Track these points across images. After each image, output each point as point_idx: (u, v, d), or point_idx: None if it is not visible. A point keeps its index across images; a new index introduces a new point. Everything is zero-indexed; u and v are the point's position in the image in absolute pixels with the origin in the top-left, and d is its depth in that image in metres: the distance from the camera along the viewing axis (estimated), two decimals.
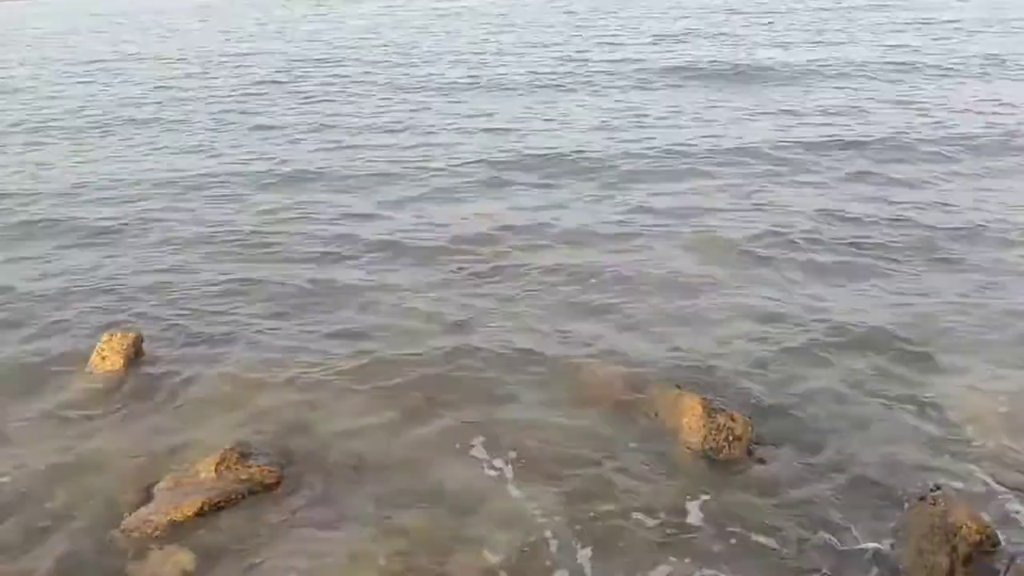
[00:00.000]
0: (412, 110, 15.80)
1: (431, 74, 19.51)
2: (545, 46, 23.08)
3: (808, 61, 18.72)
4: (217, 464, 5.24)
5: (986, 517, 4.52)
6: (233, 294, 7.88)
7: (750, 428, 5.43)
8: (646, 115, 14.59)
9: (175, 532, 4.78)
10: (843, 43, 21.24)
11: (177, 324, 7.27)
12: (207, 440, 5.59)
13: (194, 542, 4.71)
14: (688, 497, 4.98)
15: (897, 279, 7.78)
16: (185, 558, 4.61)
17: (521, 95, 16.72)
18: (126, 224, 9.85)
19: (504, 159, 12.12)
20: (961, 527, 4.35)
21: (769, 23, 25.60)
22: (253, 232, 9.51)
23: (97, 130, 15.37)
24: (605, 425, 5.67)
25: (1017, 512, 4.71)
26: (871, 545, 4.57)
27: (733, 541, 4.64)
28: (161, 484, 5.19)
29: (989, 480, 4.99)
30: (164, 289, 8.02)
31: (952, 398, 5.82)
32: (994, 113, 13.60)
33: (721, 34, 23.55)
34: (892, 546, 4.54)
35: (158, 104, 17.44)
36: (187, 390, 6.27)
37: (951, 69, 17.32)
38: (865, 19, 25.46)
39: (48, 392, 6.26)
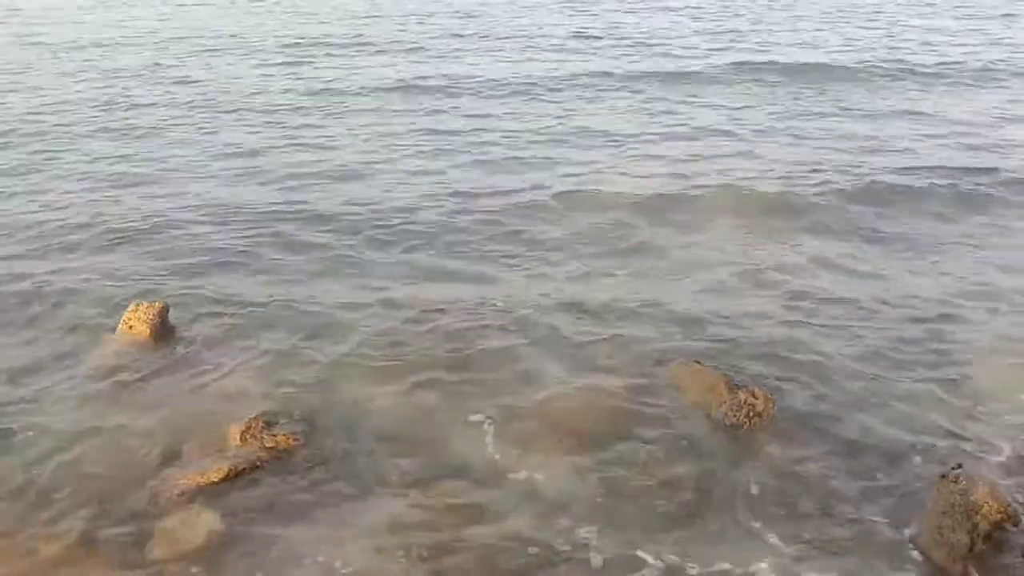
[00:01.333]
0: None
1: None
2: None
3: None
4: (243, 432, 5.32)
5: (1007, 496, 4.51)
6: (261, 267, 7.94)
7: (772, 404, 5.44)
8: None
9: (202, 495, 4.87)
10: None
11: (204, 294, 7.32)
12: (233, 408, 5.66)
13: (220, 506, 4.79)
14: (709, 472, 5.01)
15: (924, 256, 7.75)
16: (211, 520, 4.69)
17: None
18: (157, 196, 9.87)
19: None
20: (982, 505, 4.35)
21: None
22: (281, 205, 9.53)
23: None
24: (627, 400, 5.69)
25: None
26: (891, 521, 4.58)
27: (753, 516, 4.67)
28: (188, 449, 5.27)
29: (1011, 459, 4.98)
30: (193, 260, 8.06)
31: (976, 376, 5.83)
32: None
33: None
34: (912, 523, 4.55)
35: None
36: (213, 359, 6.34)
37: None
38: None
39: (77, 360, 6.33)
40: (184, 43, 19.25)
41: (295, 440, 5.34)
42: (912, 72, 15.59)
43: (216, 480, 4.97)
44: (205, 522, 4.69)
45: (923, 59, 16.61)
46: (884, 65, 16.17)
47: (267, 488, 4.97)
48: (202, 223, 8.97)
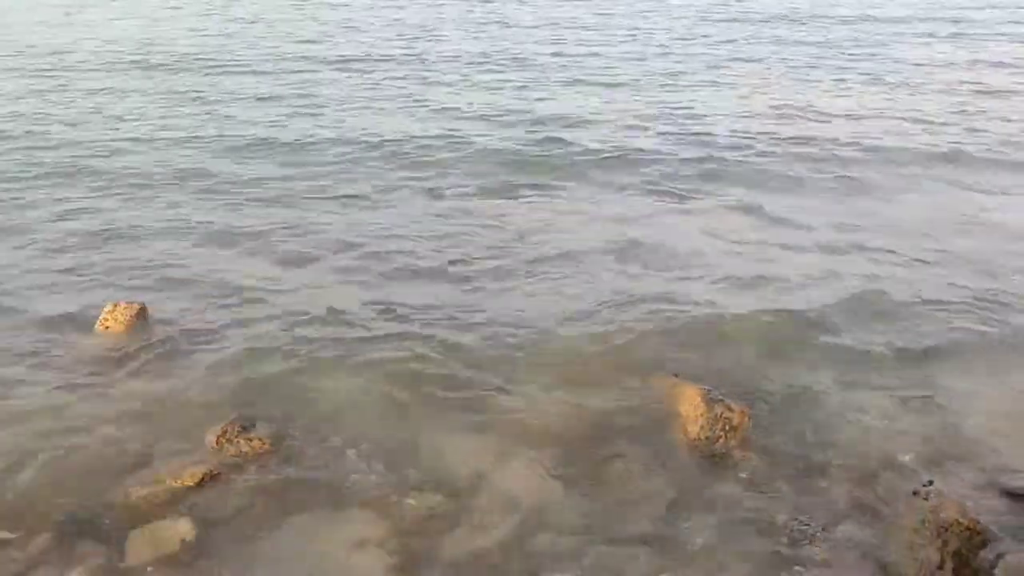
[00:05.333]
0: None
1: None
2: None
3: None
4: (219, 436, 5.29)
5: (976, 513, 4.56)
6: (241, 270, 7.89)
7: (747, 419, 5.48)
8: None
9: (175, 501, 4.83)
10: None
11: (182, 295, 7.28)
12: (209, 411, 5.63)
13: (193, 511, 4.76)
14: (684, 486, 5.03)
15: (900, 272, 7.83)
16: (184, 527, 4.65)
17: None
18: (132, 198, 9.81)
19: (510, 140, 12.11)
20: (952, 523, 4.41)
21: None
22: (258, 204, 9.51)
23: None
24: (605, 412, 5.70)
25: (1006, 509, 4.77)
26: (863, 537, 4.62)
27: (727, 531, 4.69)
28: (163, 453, 5.23)
29: (980, 476, 5.04)
30: (172, 261, 8.02)
31: (949, 394, 5.88)
32: None
33: None
34: (884, 539, 4.59)
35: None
36: (190, 361, 6.29)
37: None
38: None
39: (51, 360, 6.27)
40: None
41: (271, 445, 5.32)
42: None
43: (191, 485, 4.94)
44: (179, 528, 4.65)
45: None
46: None
47: (243, 494, 4.93)
48: (180, 225, 8.91)
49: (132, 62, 17.51)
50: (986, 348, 6.54)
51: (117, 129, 12.65)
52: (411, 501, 4.89)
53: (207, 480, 4.98)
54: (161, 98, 14.77)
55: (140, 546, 4.53)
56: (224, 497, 4.90)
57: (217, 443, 5.27)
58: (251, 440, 5.32)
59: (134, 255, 8.14)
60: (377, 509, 4.84)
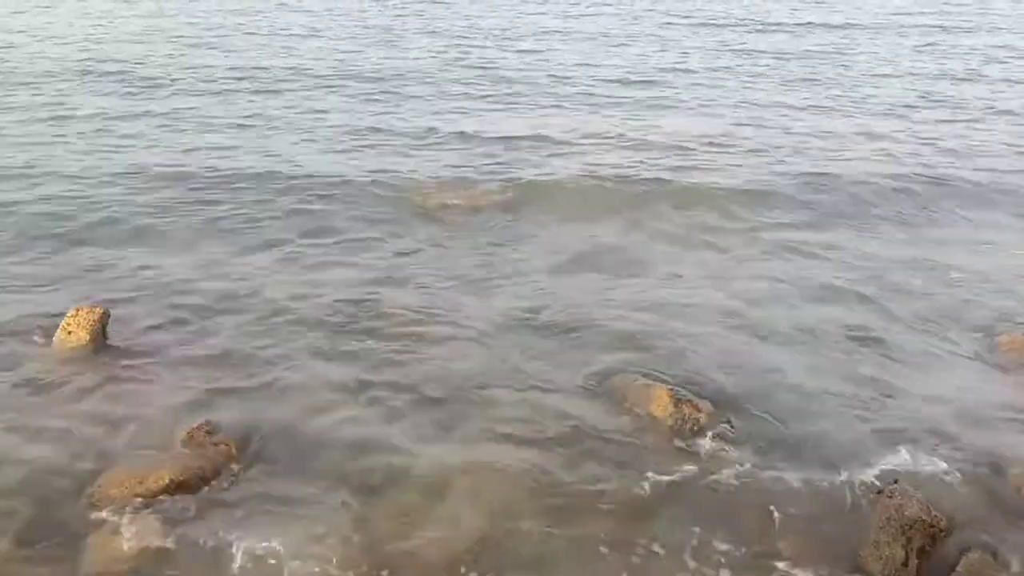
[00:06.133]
0: None
1: None
2: None
3: None
4: (185, 439, 5.24)
5: (940, 511, 4.63)
6: (206, 271, 7.80)
7: (715, 417, 5.51)
8: None
9: (141, 505, 4.76)
10: None
11: (146, 299, 7.19)
12: (175, 414, 5.58)
13: (160, 515, 4.69)
14: (652, 485, 5.05)
15: (863, 271, 7.92)
16: (150, 529, 4.59)
17: None
18: (96, 202, 9.65)
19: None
20: (916, 520, 4.47)
21: None
22: (227, 207, 9.40)
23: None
24: (574, 412, 5.71)
25: (969, 506, 4.84)
26: (830, 534, 4.66)
27: (694, 528, 4.71)
28: (128, 457, 5.16)
29: (944, 474, 5.10)
30: (134, 264, 7.90)
31: (913, 393, 5.96)
32: None
33: None
34: (850, 536, 4.63)
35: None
36: (156, 364, 6.22)
37: None
38: None
39: (14, 366, 6.15)
40: None
41: (238, 448, 5.27)
42: None
43: (156, 488, 4.87)
44: (144, 531, 4.59)
45: None
46: None
47: (209, 497, 4.88)
48: (144, 230, 8.79)
49: (83, 67, 16.93)
50: (941, 341, 6.65)
51: (82, 134, 12.41)
52: (379, 501, 4.87)
53: (173, 484, 4.90)
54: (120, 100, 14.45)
55: (103, 550, 4.46)
56: (190, 500, 4.84)
57: (183, 446, 5.20)
58: (217, 444, 5.26)
59: (96, 260, 8.01)
60: (344, 509, 4.82)
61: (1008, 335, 6.68)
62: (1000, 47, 20.46)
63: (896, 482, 4.80)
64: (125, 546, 4.49)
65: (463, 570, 4.43)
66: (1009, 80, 16.97)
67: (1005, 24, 24.04)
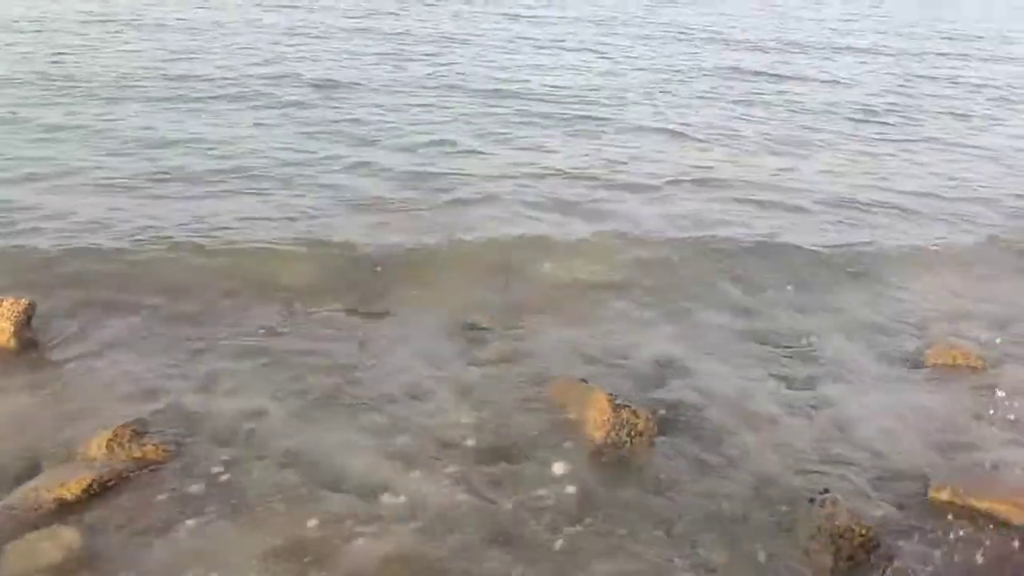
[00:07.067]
0: None
1: None
2: None
3: None
4: (109, 440, 5.05)
5: (869, 520, 4.72)
6: (139, 264, 7.60)
7: (652, 424, 5.53)
8: None
9: (60, 510, 4.60)
10: None
11: (76, 291, 6.96)
12: (100, 415, 5.38)
13: (79, 521, 4.53)
14: (587, 491, 5.04)
15: (803, 284, 8.06)
16: (70, 537, 4.42)
17: None
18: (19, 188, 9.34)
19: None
20: (845, 529, 4.55)
21: None
22: (161, 202, 9.17)
23: None
24: (511, 417, 5.69)
25: (897, 516, 4.94)
26: (762, 543, 4.71)
27: (629, 536, 4.72)
28: (48, 460, 4.99)
29: (874, 485, 5.21)
30: (64, 256, 7.64)
31: (846, 404, 6.07)
32: None
33: None
34: (781, 545, 4.69)
35: None
36: (82, 362, 6.02)
37: None
38: None
39: None
40: None
41: (167, 451, 5.12)
42: None
43: (76, 493, 4.70)
44: (63, 538, 4.41)
45: None
46: None
47: (134, 503, 4.72)
48: (74, 217, 8.52)
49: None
50: (877, 357, 6.80)
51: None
52: (314, 508, 4.76)
53: (95, 488, 4.74)
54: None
55: (19, 559, 4.28)
56: (113, 506, 4.68)
57: (108, 448, 5.03)
58: (145, 446, 5.10)
59: (21, 249, 7.73)
60: (279, 516, 4.70)
61: (935, 347, 6.86)
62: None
63: (826, 491, 4.88)
64: (42, 555, 4.32)
65: None
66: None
67: None
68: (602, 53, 20.82)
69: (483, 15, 25.54)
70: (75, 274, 7.31)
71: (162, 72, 15.24)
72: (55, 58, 15.89)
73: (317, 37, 20.27)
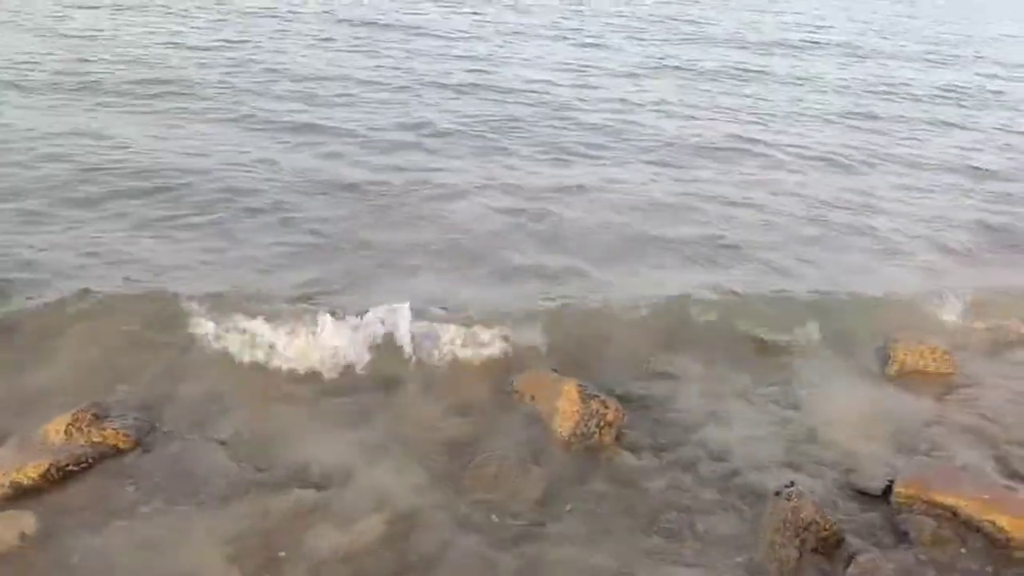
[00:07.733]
0: None
1: None
2: None
3: None
4: (68, 424, 4.97)
5: (832, 515, 4.74)
6: (103, 245, 7.43)
7: (621, 415, 5.52)
8: None
9: (17, 494, 4.53)
10: None
11: (36, 270, 6.82)
12: (60, 398, 5.30)
13: (36, 505, 4.47)
14: (556, 482, 5.03)
15: (766, 280, 8.08)
16: (26, 522, 4.36)
17: None
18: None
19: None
20: (810, 523, 4.57)
21: None
22: (129, 184, 8.98)
23: None
24: (481, 407, 5.67)
25: (859, 511, 4.96)
26: (728, 535, 4.72)
27: (596, 526, 4.72)
28: (6, 445, 4.88)
29: (837, 480, 5.23)
30: (24, 237, 7.46)
31: (812, 401, 6.08)
32: None
33: None
34: (747, 537, 4.70)
35: None
36: (43, 343, 5.91)
37: None
38: None
39: None
40: None
41: (127, 436, 5.03)
42: None
43: (34, 477, 4.63)
44: (18, 522, 4.35)
45: None
46: None
47: (92, 488, 4.66)
48: (40, 198, 8.32)
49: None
50: (842, 353, 6.83)
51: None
52: (276, 496, 4.71)
53: (53, 472, 4.67)
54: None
55: None
56: (71, 491, 4.63)
57: (66, 433, 4.94)
58: (105, 430, 5.01)
59: None
60: (241, 504, 4.65)
61: (900, 348, 6.85)
62: None
63: (792, 485, 4.89)
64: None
65: (361, 567, 4.31)
66: None
67: None
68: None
69: None
70: (36, 254, 7.13)
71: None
72: None
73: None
